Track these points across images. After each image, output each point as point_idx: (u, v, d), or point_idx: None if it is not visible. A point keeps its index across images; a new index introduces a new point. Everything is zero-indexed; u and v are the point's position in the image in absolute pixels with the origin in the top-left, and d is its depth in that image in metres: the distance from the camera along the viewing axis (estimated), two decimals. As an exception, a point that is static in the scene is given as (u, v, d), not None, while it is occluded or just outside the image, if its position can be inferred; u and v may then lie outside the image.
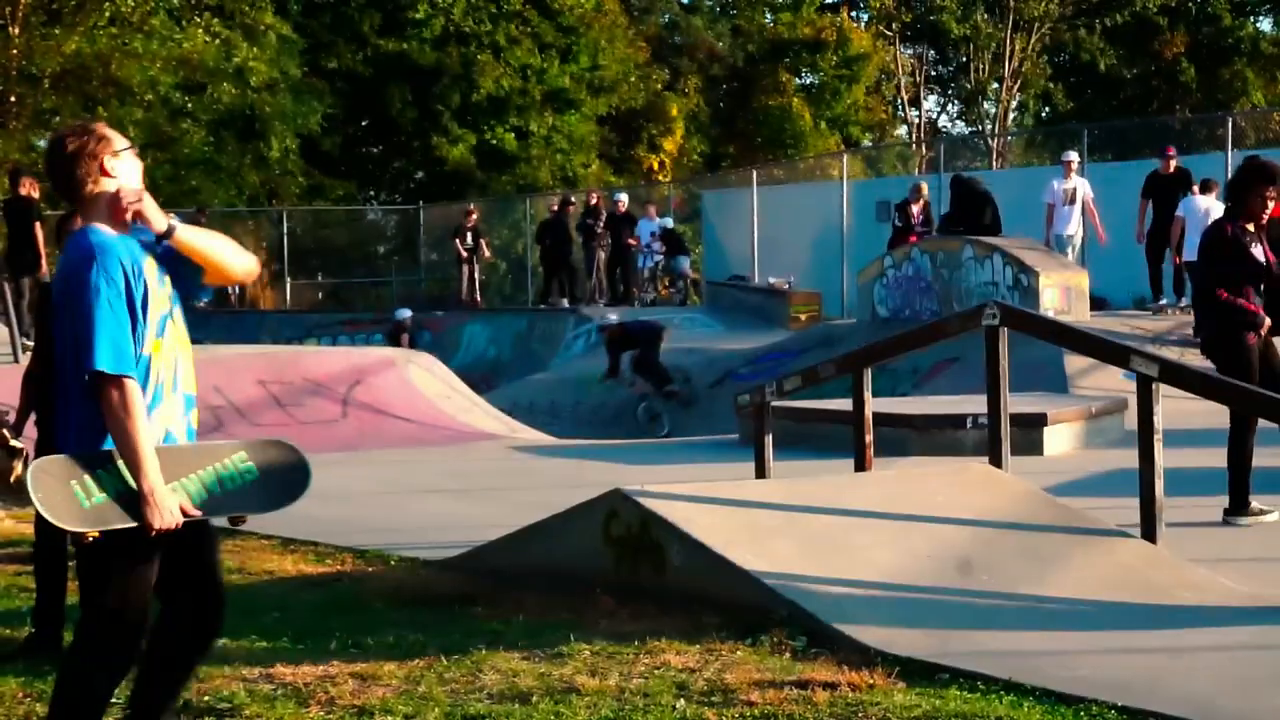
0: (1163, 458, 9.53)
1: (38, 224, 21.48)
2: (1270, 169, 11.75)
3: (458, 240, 38.61)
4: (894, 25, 67.91)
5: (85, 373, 5.42)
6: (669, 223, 37.75)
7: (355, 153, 55.33)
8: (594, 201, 37.18)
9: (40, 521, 7.99)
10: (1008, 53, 64.56)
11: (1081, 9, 65.21)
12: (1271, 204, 11.63)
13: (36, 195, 22.56)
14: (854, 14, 69.04)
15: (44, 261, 21.94)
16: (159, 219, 5.60)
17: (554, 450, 18.79)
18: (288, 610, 9.16)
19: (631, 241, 35.63)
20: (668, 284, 38.15)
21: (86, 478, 5.45)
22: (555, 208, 38.07)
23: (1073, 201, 25.45)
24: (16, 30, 41.22)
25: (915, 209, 28.43)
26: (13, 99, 42.21)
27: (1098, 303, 25.06)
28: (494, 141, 52.34)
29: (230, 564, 10.80)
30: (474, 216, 39.44)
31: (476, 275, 39.24)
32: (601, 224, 36.02)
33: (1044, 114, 69.38)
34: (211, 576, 5.94)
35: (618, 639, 7.89)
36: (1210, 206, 22.34)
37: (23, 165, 34.64)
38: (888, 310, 25.81)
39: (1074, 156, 26.52)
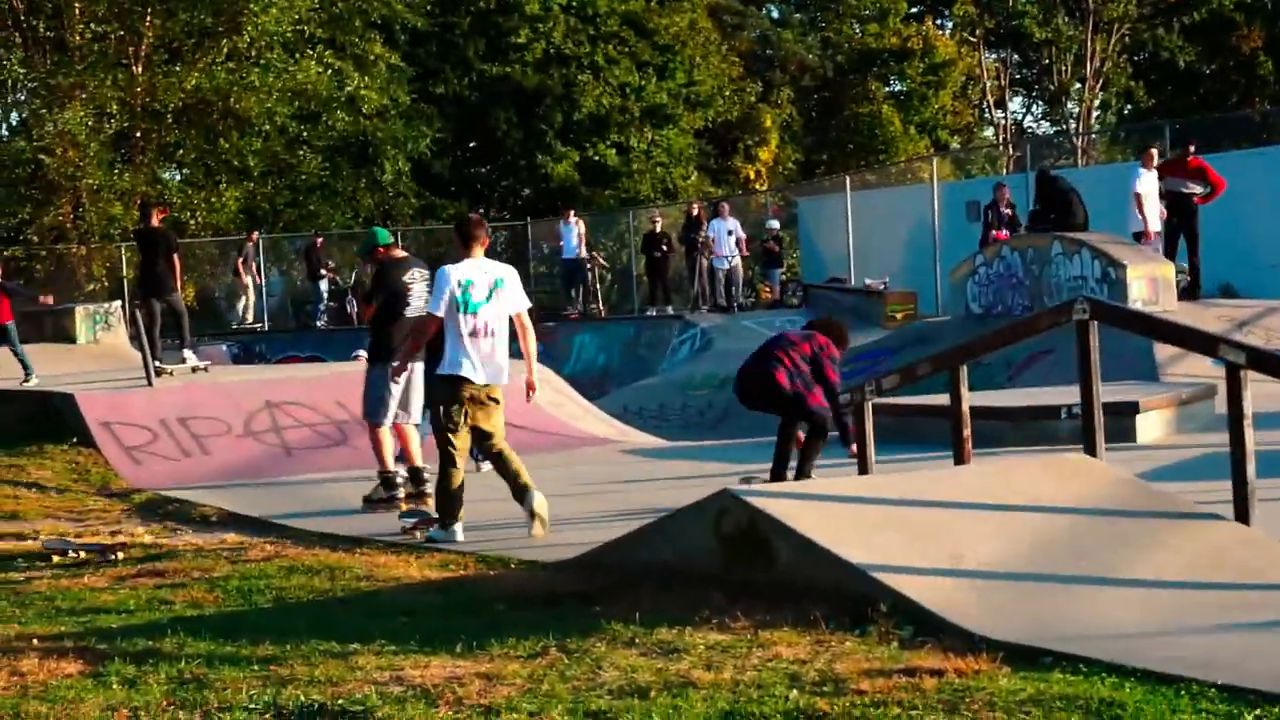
0: (1253, 441, 9.41)
1: (174, 253, 21.62)
2: None
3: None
4: (977, 31, 67.59)
5: None
6: (775, 225, 37.89)
7: (464, 173, 55.58)
8: (695, 213, 37.12)
9: None
10: (1089, 53, 64.05)
11: (1160, 8, 64.64)
12: None
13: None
14: (938, 22, 68.81)
15: (178, 285, 22.09)
16: None
17: (663, 452, 18.76)
18: (415, 614, 9.17)
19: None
20: (768, 289, 38.20)
21: None
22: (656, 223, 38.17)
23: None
24: (140, 68, 41.73)
25: (1002, 206, 28.38)
26: (139, 134, 42.70)
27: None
28: (596, 158, 52.46)
29: (358, 571, 10.87)
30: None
31: (594, 286, 39.50)
32: (703, 234, 36.00)
33: (1126, 111, 68.74)
34: None
35: (731, 633, 7.88)
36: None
37: (151, 197, 35.05)
38: (980, 307, 25.64)
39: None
